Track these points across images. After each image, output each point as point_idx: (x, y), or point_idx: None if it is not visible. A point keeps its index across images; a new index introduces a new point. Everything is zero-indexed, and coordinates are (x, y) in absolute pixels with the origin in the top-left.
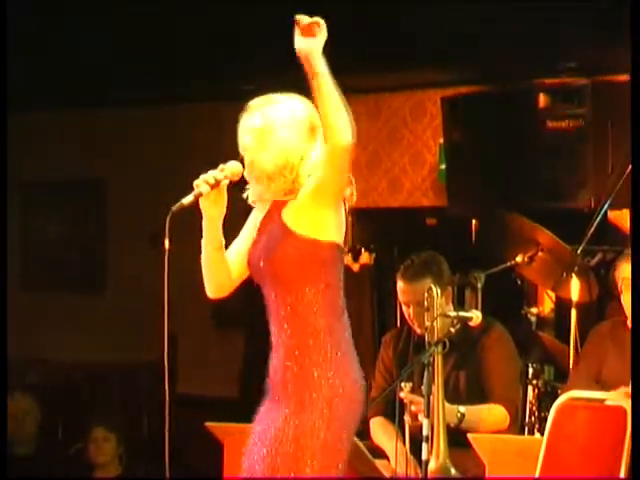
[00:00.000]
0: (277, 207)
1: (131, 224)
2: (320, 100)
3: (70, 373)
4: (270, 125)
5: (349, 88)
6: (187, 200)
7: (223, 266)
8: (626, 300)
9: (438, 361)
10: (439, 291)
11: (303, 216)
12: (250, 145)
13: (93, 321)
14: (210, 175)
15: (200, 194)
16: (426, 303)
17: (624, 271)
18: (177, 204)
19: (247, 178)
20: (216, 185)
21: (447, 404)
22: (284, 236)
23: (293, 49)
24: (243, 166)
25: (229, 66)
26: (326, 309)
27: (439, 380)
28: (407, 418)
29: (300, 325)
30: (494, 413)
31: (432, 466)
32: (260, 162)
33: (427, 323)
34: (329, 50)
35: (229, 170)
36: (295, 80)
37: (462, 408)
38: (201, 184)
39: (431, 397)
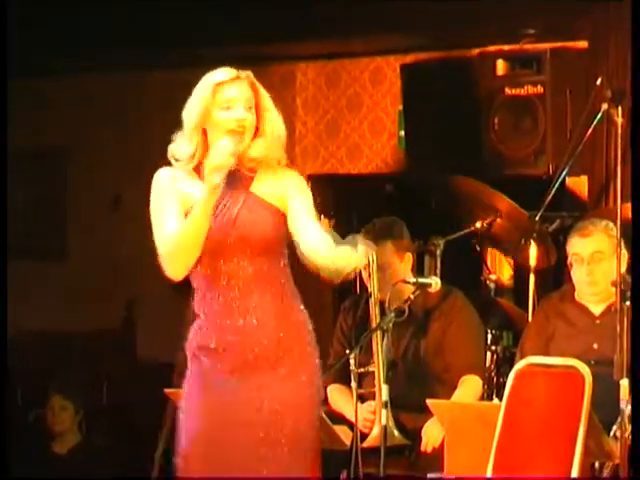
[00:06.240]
0: (236, 182)
1: (91, 191)
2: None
3: (30, 340)
4: None
5: (309, 55)
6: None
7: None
8: (576, 274)
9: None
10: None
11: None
12: None
13: (53, 288)
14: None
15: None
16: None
17: (574, 246)
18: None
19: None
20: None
21: None
22: (264, 208)
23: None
24: None
25: (193, 33)
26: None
27: (381, 349)
28: (354, 385)
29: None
30: (473, 385)
31: (375, 432)
32: None
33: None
34: (289, 16)
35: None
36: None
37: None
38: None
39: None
